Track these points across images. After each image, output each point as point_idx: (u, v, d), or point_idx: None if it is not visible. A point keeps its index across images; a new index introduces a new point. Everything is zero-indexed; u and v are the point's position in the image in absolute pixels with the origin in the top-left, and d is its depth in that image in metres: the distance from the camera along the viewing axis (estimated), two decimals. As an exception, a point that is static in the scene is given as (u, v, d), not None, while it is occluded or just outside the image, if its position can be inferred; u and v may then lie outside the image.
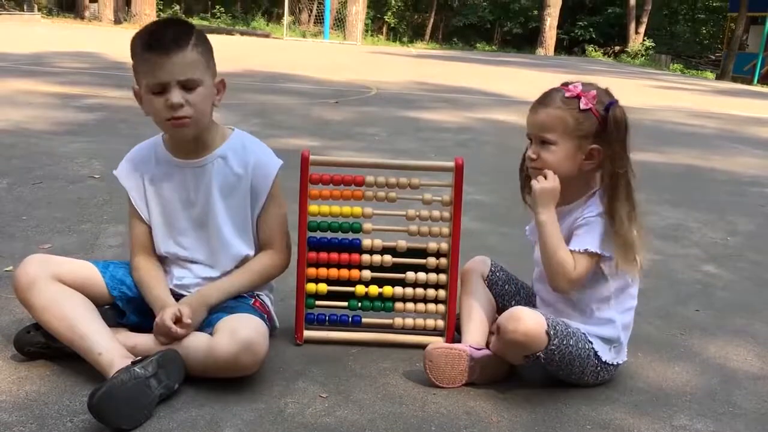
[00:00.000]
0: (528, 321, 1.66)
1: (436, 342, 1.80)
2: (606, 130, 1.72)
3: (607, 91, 1.77)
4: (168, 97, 1.67)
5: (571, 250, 1.72)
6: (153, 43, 1.67)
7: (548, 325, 1.68)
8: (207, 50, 1.75)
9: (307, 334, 1.96)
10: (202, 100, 1.71)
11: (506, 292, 1.98)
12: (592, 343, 1.76)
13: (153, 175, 1.84)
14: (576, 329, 1.75)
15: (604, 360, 1.77)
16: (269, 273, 1.91)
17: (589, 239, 1.72)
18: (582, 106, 1.71)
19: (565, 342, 1.70)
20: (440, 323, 2.00)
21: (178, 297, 1.81)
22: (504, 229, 3.14)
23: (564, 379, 1.77)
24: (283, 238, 1.91)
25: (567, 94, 1.73)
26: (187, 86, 1.68)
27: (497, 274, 1.99)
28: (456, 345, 1.79)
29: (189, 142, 1.79)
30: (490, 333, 1.85)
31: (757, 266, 2.99)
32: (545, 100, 1.77)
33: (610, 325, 1.78)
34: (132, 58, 1.73)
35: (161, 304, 1.72)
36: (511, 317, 1.68)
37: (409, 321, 2.00)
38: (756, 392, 1.87)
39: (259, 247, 1.90)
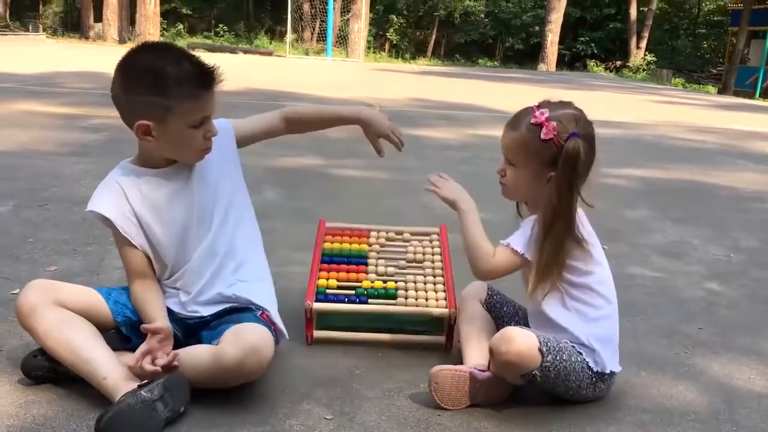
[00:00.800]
0: (519, 340, 1.69)
1: (441, 366, 1.80)
2: (561, 161, 1.72)
3: (576, 118, 1.75)
4: (207, 128, 1.76)
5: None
6: (207, 80, 1.72)
7: (540, 342, 1.70)
8: None
9: (317, 334, 2.08)
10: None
11: (505, 314, 2.02)
12: (582, 354, 1.77)
13: (142, 194, 1.83)
14: (565, 343, 1.76)
15: (595, 370, 1.78)
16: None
17: (516, 238, 1.81)
18: (542, 136, 1.73)
19: (558, 357, 1.72)
20: (442, 302, 2.14)
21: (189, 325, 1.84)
22: (507, 248, 3.15)
23: (562, 395, 1.78)
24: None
25: (533, 120, 1.75)
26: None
27: (494, 297, 2.03)
28: (460, 366, 1.80)
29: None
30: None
31: (761, 283, 2.99)
32: (515, 122, 1.81)
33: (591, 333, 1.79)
34: (160, 95, 1.67)
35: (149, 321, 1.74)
36: (503, 338, 1.70)
37: (412, 293, 2.16)
38: (760, 411, 1.87)
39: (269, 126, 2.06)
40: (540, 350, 1.69)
